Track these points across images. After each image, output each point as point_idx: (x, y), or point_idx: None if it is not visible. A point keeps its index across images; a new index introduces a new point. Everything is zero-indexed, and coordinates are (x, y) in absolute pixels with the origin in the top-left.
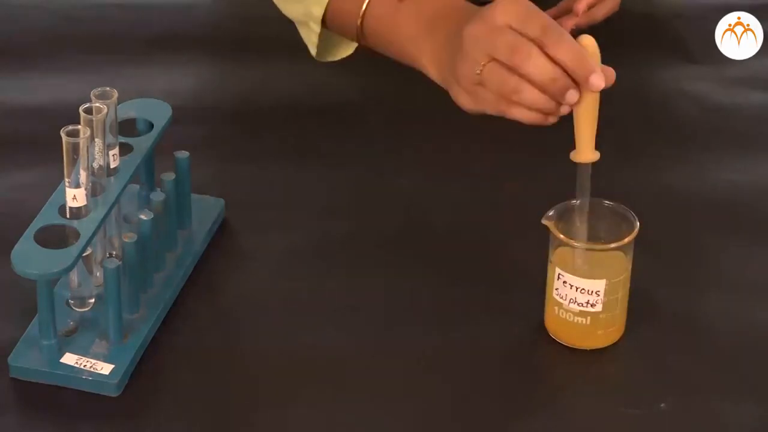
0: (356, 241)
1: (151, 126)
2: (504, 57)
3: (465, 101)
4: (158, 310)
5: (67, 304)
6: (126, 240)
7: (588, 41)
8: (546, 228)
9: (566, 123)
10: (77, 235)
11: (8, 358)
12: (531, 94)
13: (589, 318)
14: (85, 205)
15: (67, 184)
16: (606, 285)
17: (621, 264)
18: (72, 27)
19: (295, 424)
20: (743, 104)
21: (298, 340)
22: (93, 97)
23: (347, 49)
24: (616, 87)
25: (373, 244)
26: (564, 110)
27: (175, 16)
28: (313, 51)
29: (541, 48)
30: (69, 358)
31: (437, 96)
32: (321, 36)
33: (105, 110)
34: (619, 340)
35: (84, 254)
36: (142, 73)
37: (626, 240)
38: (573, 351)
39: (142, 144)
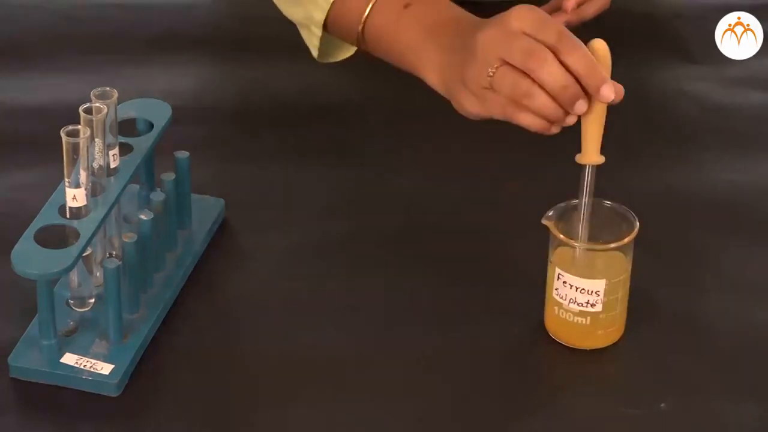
0: (356, 241)
1: (151, 126)
2: (518, 61)
3: (471, 105)
4: (158, 310)
5: (67, 304)
6: (126, 240)
7: (600, 45)
8: (546, 228)
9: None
10: (77, 235)
11: (8, 358)
12: (541, 100)
13: (589, 318)
14: (85, 205)
15: (67, 184)
16: (606, 285)
17: (621, 264)
18: (72, 27)
19: (295, 424)
20: (743, 104)
21: (298, 340)
22: (93, 97)
23: (348, 51)
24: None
25: (373, 244)
26: (570, 120)
27: (175, 16)
28: (314, 53)
29: (556, 55)
30: (69, 358)
31: (437, 96)
32: (322, 39)
33: (105, 110)
34: (619, 340)
35: (84, 254)
36: (142, 73)
37: (626, 240)
38: (573, 351)
39: (142, 144)
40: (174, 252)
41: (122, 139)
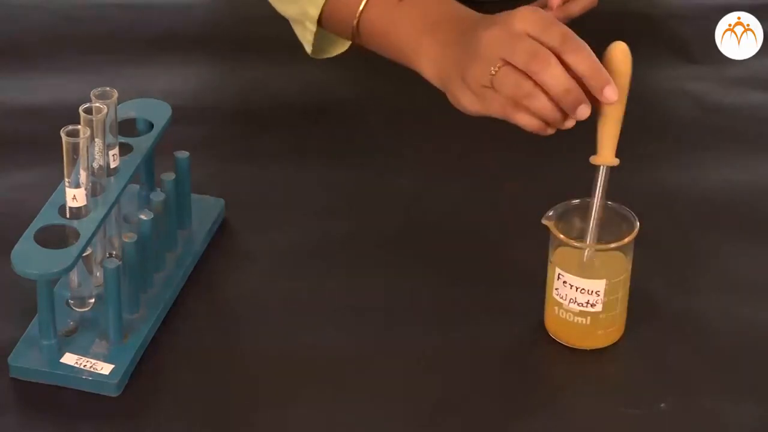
0: (356, 241)
1: (151, 126)
2: (522, 62)
3: (469, 102)
4: (158, 310)
5: (67, 304)
6: (126, 240)
7: (621, 47)
8: (546, 228)
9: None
10: (77, 235)
11: (8, 358)
12: (542, 102)
13: (589, 318)
14: (85, 205)
15: (67, 184)
16: (606, 285)
17: (621, 264)
18: (72, 27)
19: (295, 424)
20: (743, 104)
21: (298, 340)
22: (93, 97)
23: (342, 46)
24: None
25: (373, 244)
26: (569, 124)
27: (175, 16)
28: (308, 49)
29: (559, 56)
30: (69, 358)
31: (437, 96)
32: (316, 35)
33: (105, 110)
34: (619, 340)
35: (84, 254)
36: (142, 73)
37: (626, 240)
38: (573, 351)
39: (142, 144)
40: (174, 252)
41: (122, 139)
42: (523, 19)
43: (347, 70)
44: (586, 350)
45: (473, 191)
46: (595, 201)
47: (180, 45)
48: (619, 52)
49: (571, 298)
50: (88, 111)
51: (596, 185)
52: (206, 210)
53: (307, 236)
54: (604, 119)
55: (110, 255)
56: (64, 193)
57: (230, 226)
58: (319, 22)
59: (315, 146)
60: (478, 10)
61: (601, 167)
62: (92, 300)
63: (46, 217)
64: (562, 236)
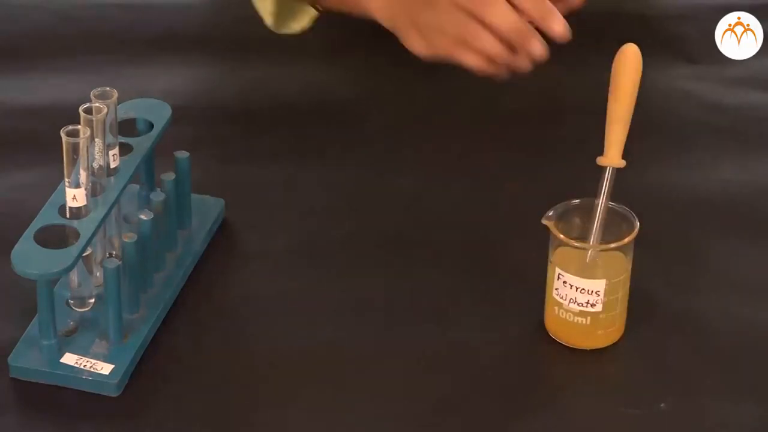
0: (356, 241)
1: (151, 126)
2: (467, 2)
3: (418, 44)
4: (158, 310)
5: (67, 304)
6: (126, 240)
7: (631, 48)
8: (546, 228)
9: (567, 124)
10: (77, 235)
11: (8, 358)
12: (488, 40)
13: (589, 318)
14: (85, 205)
15: (67, 184)
16: (606, 285)
17: (621, 264)
18: (72, 27)
19: (295, 424)
20: (743, 104)
21: (298, 340)
22: (93, 97)
23: (303, 18)
24: None
25: (373, 244)
26: (522, 63)
27: (175, 16)
28: (269, 21)
29: None
30: (69, 358)
31: (437, 96)
32: (277, 4)
33: (105, 110)
34: (619, 340)
35: (84, 254)
36: (142, 73)
37: (626, 240)
38: (573, 351)
39: (142, 144)
40: (174, 252)
41: (122, 139)
42: None
43: (347, 70)
44: (586, 350)
45: (473, 191)
46: (601, 202)
47: (180, 45)
48: (630, 54)
49: (571, 298)
50: (88, 111)
51: (602, 186)
52: (206, 210)
53: (307, 236)
54: (610, 120)
55: (110, 255)
56: (64, 193)
57: (230, 226)
58: None
59: (315, 146)
60: None
61: (608, 168)
62: (92, 300)
63: (46, 217)
64: (562, 236)
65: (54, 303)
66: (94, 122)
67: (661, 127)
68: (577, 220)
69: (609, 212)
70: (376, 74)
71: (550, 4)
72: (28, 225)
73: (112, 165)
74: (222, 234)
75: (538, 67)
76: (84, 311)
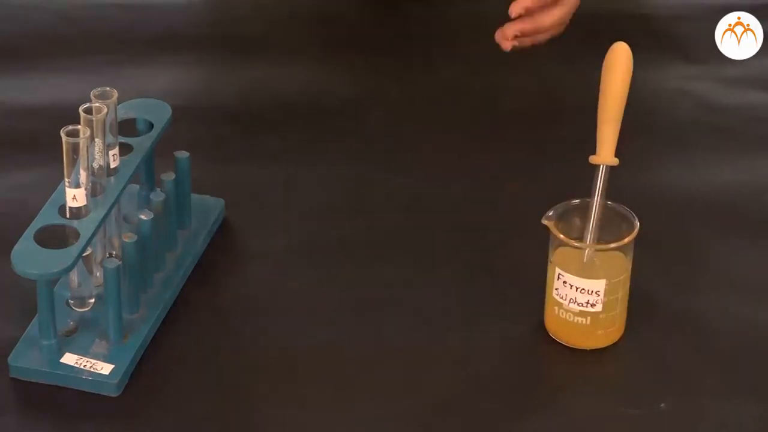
0: (356, 241)
1: (151, 126)
2: None
3: None
4: (158, 310)
5: (67, 304)
6: (126, 240)
7: (621, 46)
8: (546, 228)
9: (567, 124)
10: (77, 235)
11: (8, 358)
12: None
13: (589, 318)
14: (85, 205)
15: (67, 184)
16: (606, 285)
17: (621, 264)
18: (72, 27)
19: (295, 424)
20: (743, 104)
21: (298, 340)
22: (93, 97)
23: None
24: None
25: (373, 244)
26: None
27: (175, 16)
28: None
29: None
30: (69, 358)
31: (437, 96)
32: None
33: (105, 110)
34: (619, 340)
35: (84, 254)
36: (142, 73)
37: (626, 240)
38: (573, 351)
39: (142, 144)
40: (174, 252)
41: (122, 139)
42: None
43: (347, 70)
44: (586, 350)
45: (473, 191)
46: (595, 200)
47: (180, 45)
48: (620, 52)
49: (571, 298)
50: (88, 111)
51: (596, 185)
52: (206, 210)
53: (307, 236)
54: (602, 119)
55: (110, 255)
56: (64, 193)
57: (230, 226)
58: None
59: (315, 146)
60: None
61: (601, 166)
62: (92, 300)
63: (46, 217)
64: (562, 236)
65: (54, 303)
66: (94, 122)
67: (661, 127)
68: (577, 220)
69: (609, 212)
70: (376, 74)
71: None
72: (28, 225)
73: (112, 165)
74: (222, 234)
75: (538, 66)
76: (84, 311)
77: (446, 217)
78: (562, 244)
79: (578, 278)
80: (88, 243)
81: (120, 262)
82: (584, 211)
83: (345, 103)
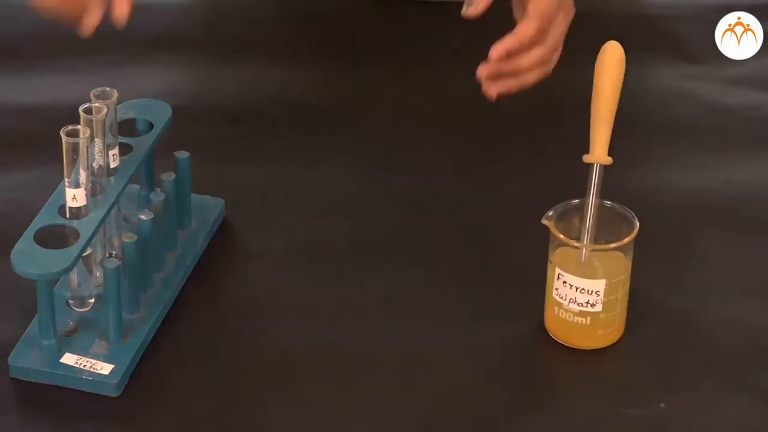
0: (356, 241)
1: (151, 126)
2: None
3: None
4: (158, 310)
5: (67, 304)
6: (126, 240)
7: (613, 45)
8: (546, 228)
9: (567, 124)
10: (77, 235)
11: (8, 358)
12: None
13: (589, 318)
14: (85, 205)
15: (67, 184)
16: (606, 285)
17: (621, 264)
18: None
19: (296, 424)
20: (743, 104)
21: (299, 340)
22: (93, 97)
23: None
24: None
25: (373, 244)
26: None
27: (175, 16)
28: None
29: None
30: (69, 358)
31: (437, 96)
32: None
33: (105, 110)
34: (619, 340)
35: (84, 254)
36: (142, 73)
37: (626, 240)
38: (573, 351)
39: (142, 144)
40: (174, 252)
41: (122, 139)
42: None
43: (347, 71)
44: (586, 350)
45: (473, 191)
46: (590, 200)
47: (180, 45)
48: (611, 51)
49: (571, 298)
50: (88, 111)
51: (591, 184)
52: (206, 210)
53: (307, 236)
54: (595, 118)
55: (110, 255)
56: (64, 193)
57: (230, 226)
58: None
59: (315, 146)
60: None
61: (595, 165)
62: (92, 300)
63: (46, 217)
64: (561, 236)
65: (54, 303)
66: (94, 122)
67: (661, 126)
68: (576, 220)
69: (609, 212)
70: (376, 75)
71: None
72: (28, 225)
73: (112, 165)
74: (222, 234)
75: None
76: (84, 311)
77: (446, 217)
78: (561, 244)
79: (578, 278)
80: (88, 243)
81: (120, 262)
82: (584, 211)
83: (345, 104)
